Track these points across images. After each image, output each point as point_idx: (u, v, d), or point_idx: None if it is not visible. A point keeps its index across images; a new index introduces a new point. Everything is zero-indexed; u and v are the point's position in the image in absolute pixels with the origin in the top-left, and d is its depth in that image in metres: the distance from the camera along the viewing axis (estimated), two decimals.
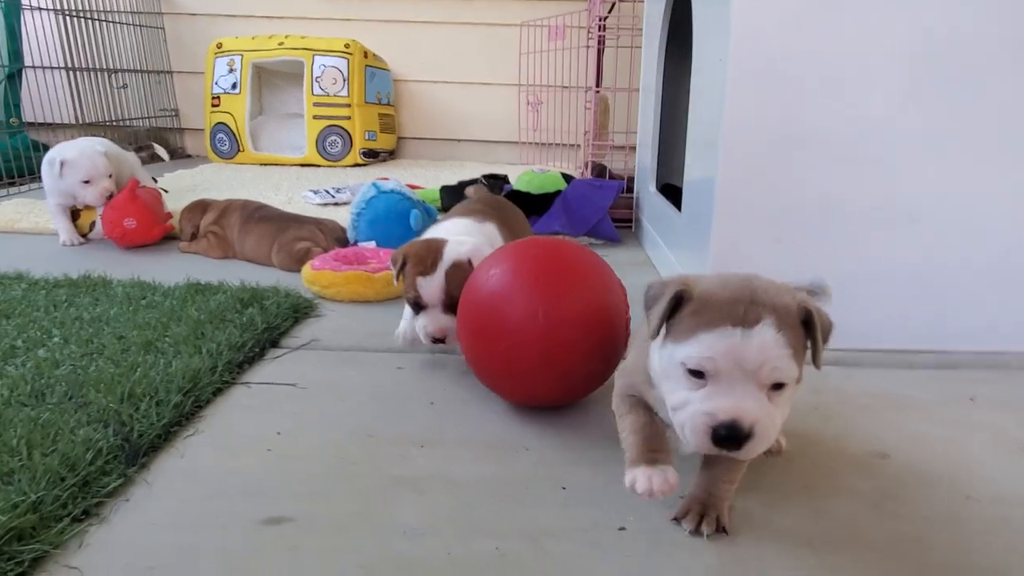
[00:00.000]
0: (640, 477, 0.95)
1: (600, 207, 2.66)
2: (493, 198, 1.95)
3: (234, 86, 4.64)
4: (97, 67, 4.75)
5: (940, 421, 1.34)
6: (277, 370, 1.54)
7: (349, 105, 4.56)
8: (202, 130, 4.95)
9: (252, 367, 1.55)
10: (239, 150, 4.70)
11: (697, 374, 0.84)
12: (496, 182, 2.91)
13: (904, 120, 1.57)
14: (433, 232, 1.62)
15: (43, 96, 4.52)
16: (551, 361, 1.24)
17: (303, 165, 4.64)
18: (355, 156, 4.64)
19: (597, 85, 3.46)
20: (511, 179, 3.05)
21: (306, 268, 2.07)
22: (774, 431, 0.84)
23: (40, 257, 2.39)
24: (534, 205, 2.71)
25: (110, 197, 2.54)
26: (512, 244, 1.41)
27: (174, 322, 1.67)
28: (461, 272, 1.44)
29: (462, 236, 1.54)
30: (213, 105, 4.71)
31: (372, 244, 2.27)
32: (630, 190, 3.02)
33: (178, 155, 5.33)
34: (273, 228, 2.37)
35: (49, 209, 2.67)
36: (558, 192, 2.74)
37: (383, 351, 1.64)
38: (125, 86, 4.95)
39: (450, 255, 1.46)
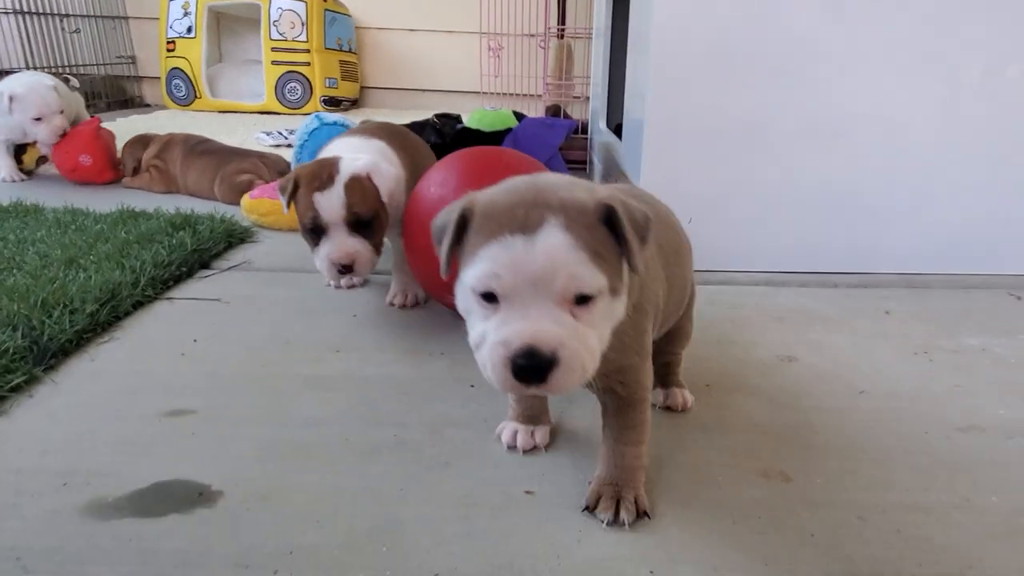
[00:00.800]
0: (507, 430, 0.97)
1: (551, 145, 2.66)
2: (383, 123, 1.72)
3: (189, 30, 4.52)
4: (48, 11, 4.59)
5: (851, 331, 1.38)
6: (203, 287, 1.53)
7: (308, 51, 4.47)
8: (159, 78, 4.83)
9: (179, 285, 1.54)
10: (196, 96, 4.60)
11: (488, 298, 0.70)
12: (448, 121, 2.89)
13: (828, 35, 1.58)
14: (321, 155, 1.47)
15: None
16: None
17: (262, 112, 4.56)
18: (316, 104, 4.56)
19: (561, 24, 3.42)
20: (463, 118, 3.02)
21: (245, 198, 2.05)
22: (589, 355, 0.70)
23: None
24: (485, 143, 2.69)
25: (63, 135, 2.49)
26: (456, 154, 1.40)
27: (101, 242, 1.65)
28: (361, 186, 1.32)
29: (354, 153, 1.40)
30: (168, 50, 4.59)
31: None
32: (585, 132, 3.01)
33: (135, 104, 5.21)
34: (215, 161, 2.34)
35: None
36: (509, 130, 2.72)
37: (314, 272, 1.63)
38: (77, 31, 4.80)
39: (347, 169, 1.33)
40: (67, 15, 4.69)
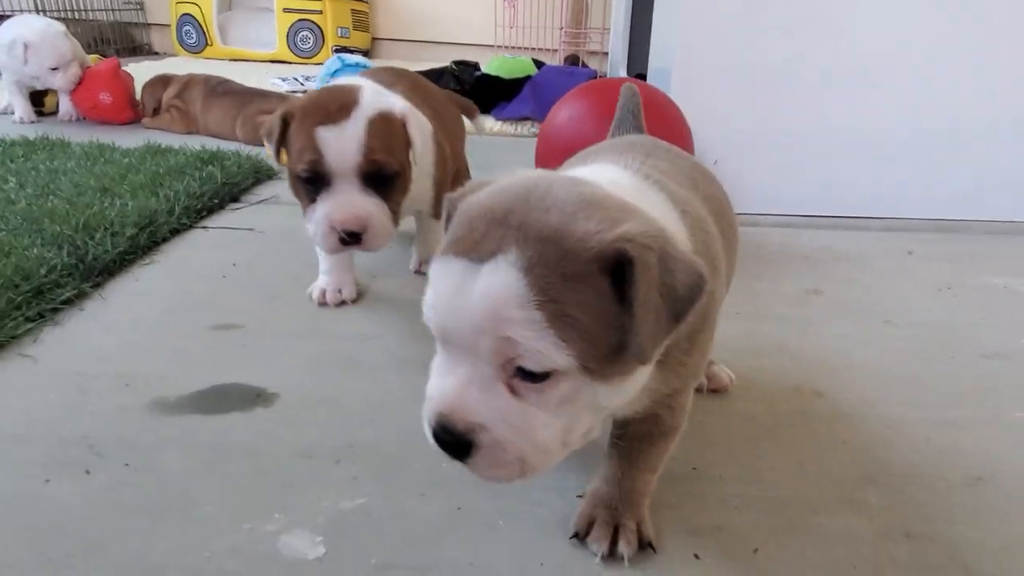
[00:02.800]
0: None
1: None
2: (399, 70, 1.34)
3: None
4: None
5: (875, 269, 1.40)
6: (236, 218, 1.56)
7: None
8: (168, 26, 4.77)
9: (211, 216, 1.56)
10: (207, 44, 4.56)
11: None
12: (466, 68, 2.87)
13: None
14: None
15: None
16: None
17: (273, 61, 4.52)
18: (327, 53, 4.50)
19: None
20: (481, 66, 3.01)
21: None
22: (533, 449, 0.51)
23: None
24: (504, 90, 2.69)
25: (78, 83, 2.48)
26: (587, 85, 1.44)
27: (132, 173, 1.66)
28: (390, 127, 0.98)
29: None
30: None
31: None
32: None
33: (144, 51, 5.15)
34: (237, 101, 2.34)
35: (6, 86, 2.59)
36: (528, 77, 2.71)
37: None
38: None
39: (374, 103, 0.98)
40: None
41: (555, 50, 4.47)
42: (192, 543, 0.65)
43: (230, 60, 4.51)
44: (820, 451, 0.81)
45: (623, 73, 2.66)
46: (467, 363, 0.50)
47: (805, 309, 1.21)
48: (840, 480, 0.76)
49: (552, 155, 1.44)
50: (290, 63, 4.48)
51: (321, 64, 4.44)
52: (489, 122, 2.60)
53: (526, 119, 2.60)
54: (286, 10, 4.43)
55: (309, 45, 4.50)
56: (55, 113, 2.65)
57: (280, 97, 2.38)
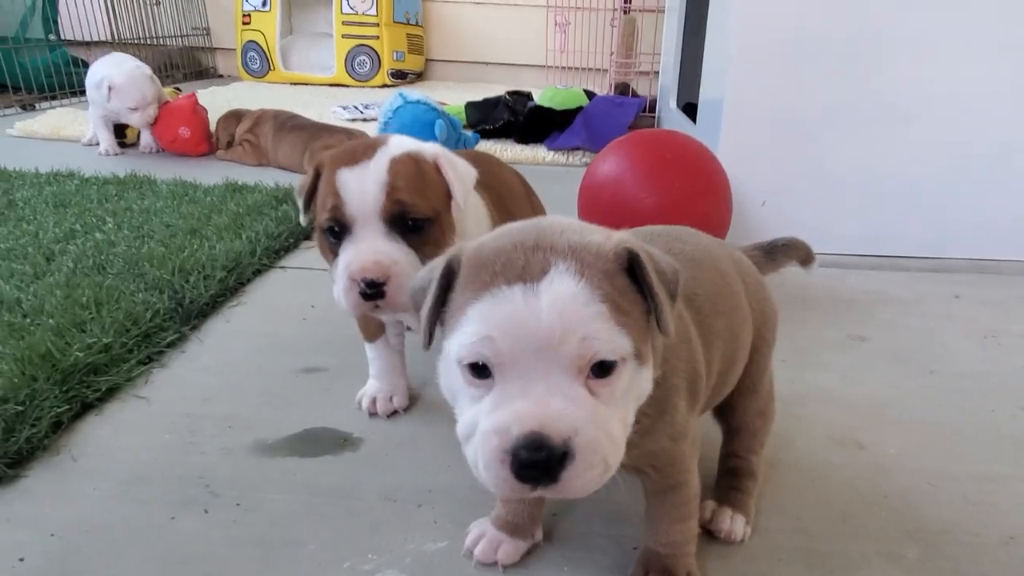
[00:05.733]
0: (475, 531, 0.80)
1: (621, 124, 2.72)
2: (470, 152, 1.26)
3: (264, 3, 4.67)
4: None
5: (921, 313, 1.44)
6: (311, 258, 1.68)
7: (378, 24, 4.58)
8: (233, 50, 5.01)
9: (288, 255, 1.69)
10: (270, 69, 4.77)
11: (479, 371, 0.54)
12: (520, 98, 2.97)
13: (905, 22, 1.61)
14: None
15: (80, 13, 4.61)
16: None
17: (332, 85, 4.70)
18: (383, 77, 4.68)
19: (627, 2, 3.45)
20: (534, 96, 3.10)
21: None
22: (611, 446, 0.55)
23: (85, 160, 2.53)
24: (556, 121, 2.78)
25: (152, 123, 2.66)
26: (629, 136, 1.53)
27: (215, 214, 1.81)
28: (419, 169, 0.89)
29: None
30: (244, 23, 4.75)
31: None
32: (653, 110, 3.06)
33: (210, 75, 5.42)
34: (305, 136, 2.48)
35: (91, 119, 2.79)
36: (580, 108, 2.79)
37: None
38: (158, 3, 5.01)
39: (401, 145, 0.92)
40: None
41: (605, 70, 4.54)
42: None
43: (291, 84, 4.71)
44: (861, 505, 0.88)
45: (673, 103, 2.72)
46: (539, 379, 0.53)
47: (849, 356, 1.26)
48: (880, 535, 0.83)
49: (592, 200, 1.52)
50: (348, 86, 4.66)
51: (377, 87, 4.64)
52: (541, 152, 2.70)
53: (577, 149, 2.68)
54: (345, 36, 4.61)
55: (366, 69, 4.67)
56: (136, 144, 2.85)
57: (346, 131, 2.52)
